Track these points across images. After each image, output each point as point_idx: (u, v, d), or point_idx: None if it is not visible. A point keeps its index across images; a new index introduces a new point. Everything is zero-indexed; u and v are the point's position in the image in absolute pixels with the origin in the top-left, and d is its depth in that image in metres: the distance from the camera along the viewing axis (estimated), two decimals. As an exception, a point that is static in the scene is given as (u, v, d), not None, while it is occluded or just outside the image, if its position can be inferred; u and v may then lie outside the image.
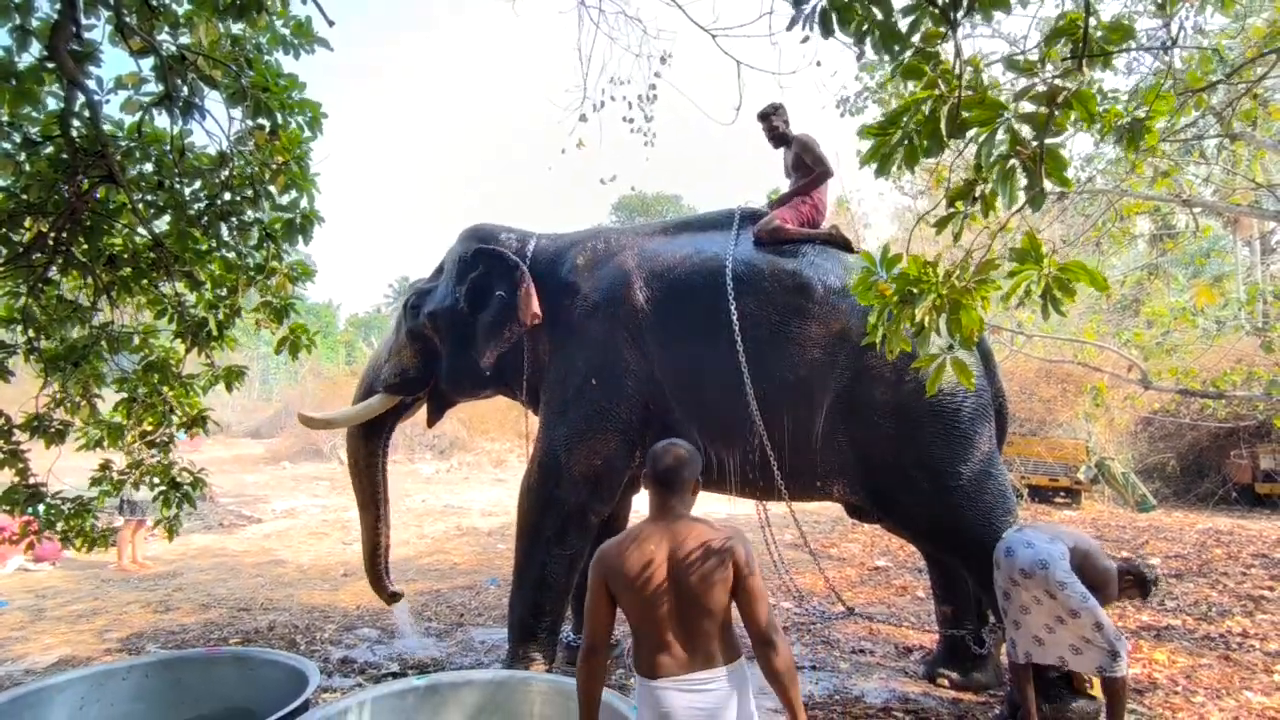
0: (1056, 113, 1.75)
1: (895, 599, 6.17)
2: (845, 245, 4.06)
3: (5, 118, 3.23)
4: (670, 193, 38.60)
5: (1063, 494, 11.18)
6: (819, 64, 5.03)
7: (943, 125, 1.84)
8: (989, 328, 8.14)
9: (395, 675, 4.27)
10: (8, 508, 3.61)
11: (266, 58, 3.65)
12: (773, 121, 4.25)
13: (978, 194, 1.89)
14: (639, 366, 3.79)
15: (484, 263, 3.98)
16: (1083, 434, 11.40)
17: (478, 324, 3.96)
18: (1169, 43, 2.40)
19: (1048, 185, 1.86)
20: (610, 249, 4.11)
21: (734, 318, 3.65)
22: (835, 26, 2.37)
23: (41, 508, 3.64)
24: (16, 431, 3.68)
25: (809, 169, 4.11)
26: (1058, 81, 1.81)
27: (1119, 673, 3.06)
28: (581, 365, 3.84)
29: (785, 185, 4.32)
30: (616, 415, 3.78)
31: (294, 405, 23.06)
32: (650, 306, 3.83)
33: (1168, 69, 2.45)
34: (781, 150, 4.30)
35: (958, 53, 2.07)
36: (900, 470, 3.67)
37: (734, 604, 1.97)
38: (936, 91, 1.84)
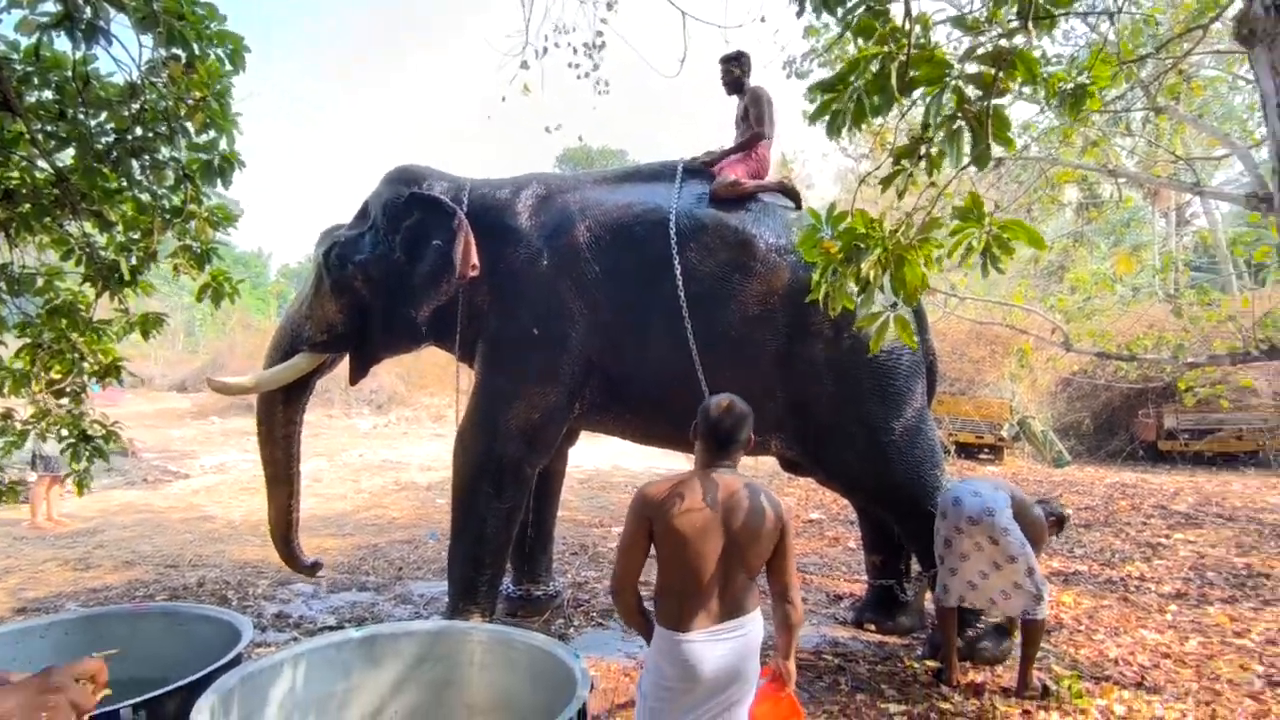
0: (1002, 73, 1.76)
1: (828, 549, 6.40)
2: (795, 197, 4.08)
3: (-121, 33, 2.91)
4: (616, 147, 37.99)
5: (987, 450, 11.72)
6: (763, 19, 4.96)
7: (893, 83, 1.83)
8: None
9: (331, 629, 4.22)
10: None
11: (180, -21, 3.38)
12: (731, 68, 4.19)
13: (923, 153, 1.89)
14: (582, 316, 3.72)
15: (419, 209, 3.76)
16: (1007, 393, 11.93)
17: (413, 275, 3.76)
18: (1112, 9, 2.44)
19: (992, 146, 1.88)
20: (551, 195, 3.99)
21: (677, 270, 3.62)
22: None
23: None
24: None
25: (752, 123, 4.09)
26: (1004, 42, 1.82)
27: (1040, 615, 3.29)
28: (522, 315, 3.75)
29: (728, 139, 4.28)
30: (558, 366, 3.73)
31: (222, 358, 22.19)
32: (595, 255, 3.76)
33: (1103, 39, 2.50)
34: (735, 99, 4.25)
35: (907, 11, 2.06)
36: (837, 425, 3.77)
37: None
38: (885, 49, 1.82)
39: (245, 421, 16.69)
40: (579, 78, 6.02)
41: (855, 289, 2.00)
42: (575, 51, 5.93)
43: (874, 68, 1.91)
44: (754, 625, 2.01)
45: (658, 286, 3.68)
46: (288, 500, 4.06)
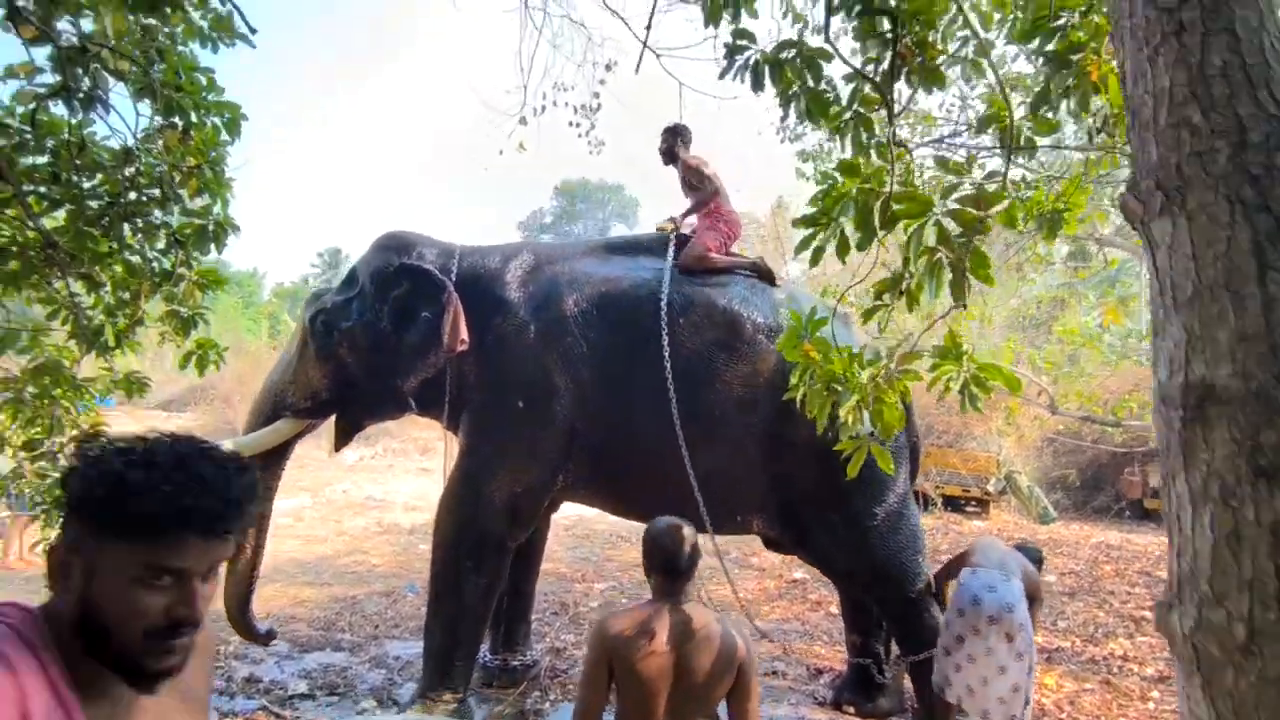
0: (985, 217, 1.79)
1: (809, 614, 6.35)
2: (768, 277, 4.11)
3: (-126, 101, 2.93)
4: (613, 181, 38.39)
5: (974, 504, 11.72)
6: (759, 93, 5.05)
7: (874, 219, 1.86)
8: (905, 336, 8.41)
9: (303, 696, 4.15)
10: None
11: (181, 48, 3.42)
12: (666, 138, 4.28)
13: (904, 288, 1.92)
14: (568, 391, 3.72)
15: (408, 280, 3.77)
16: (994, 447, 11.96)
17: (400, 345, 3.75)
18: (1092, 136, 2.50)
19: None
20: (540, 266, 4.01)
21: (665, 349, 3.64)
22: (766, 82, 2.39)
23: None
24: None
25: (698, 190, 4.15)
26: (985, 185, 1.85)
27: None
28: (508, 388, 3.74)
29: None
30: (542, 441, 3.71)
31: (210, 380, 22.01)
32: (582, 329, 3.77)
33: (1087, 161, 2.57)
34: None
35: (893, 138, 2.10)
36: (819, 510, 3.76)
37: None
38: (868, 186, 1.85)
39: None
40: (578, 136, 6.11)
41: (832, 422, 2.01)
42: (575, 111, 6.02)
43: (855, 202, 1.94)
44: None
45: (644, 362, 3.68)
46: (250, 570, 3.94)
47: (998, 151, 2.08)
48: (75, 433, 3.72)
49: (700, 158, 4.17)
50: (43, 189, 3.40)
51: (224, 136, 3.51)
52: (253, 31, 3.09)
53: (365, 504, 11.02)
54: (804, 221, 1.98)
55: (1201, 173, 1.05)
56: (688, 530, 2.10)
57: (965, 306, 1.84)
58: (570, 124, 6.02)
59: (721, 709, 2.06)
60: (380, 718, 3.19)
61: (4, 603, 0.89)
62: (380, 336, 3.81)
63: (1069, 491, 13.35)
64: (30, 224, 3.42)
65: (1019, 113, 2.30)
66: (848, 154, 2.44)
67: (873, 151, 2.28)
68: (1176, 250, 1.06)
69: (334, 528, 9.34)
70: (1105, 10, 1.77)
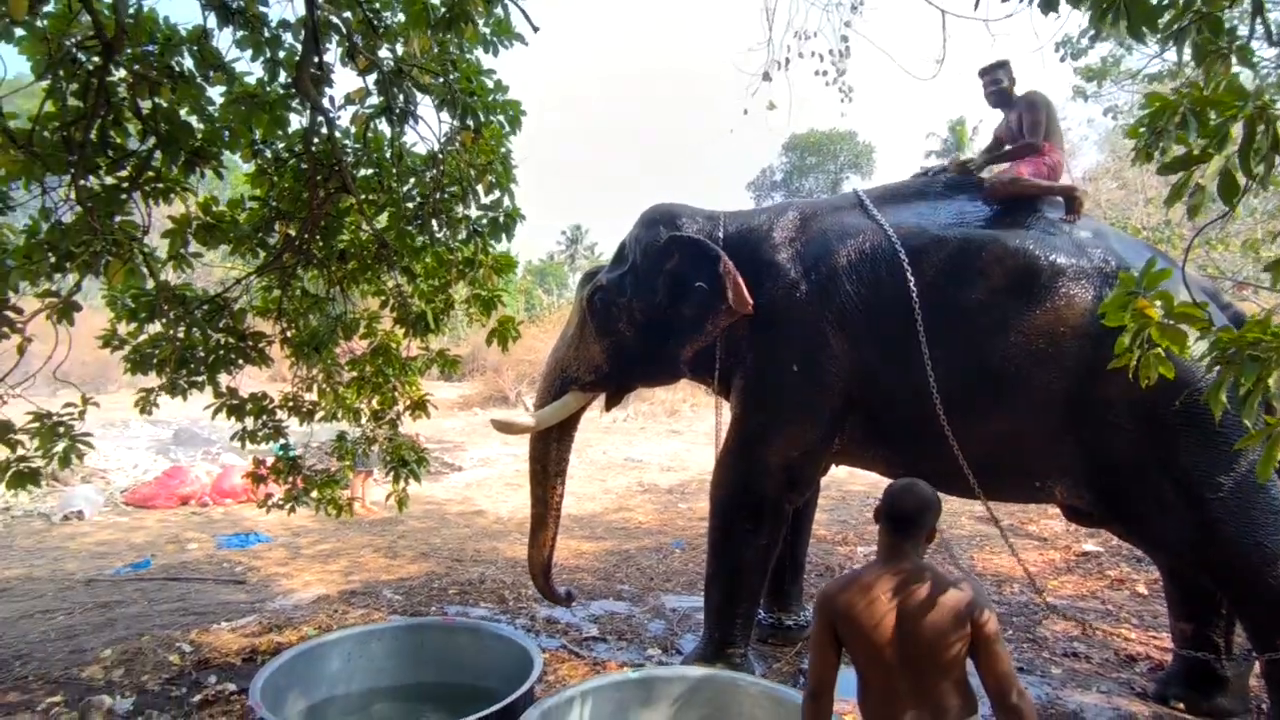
0: None
1: (1110, 593, 5.62)
2: (1079, 206, 3.61)
3: (260, 139, 3.61)
4: (844, 129, 36.37)
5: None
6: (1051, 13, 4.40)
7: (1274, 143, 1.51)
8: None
9: (595, 639, 4.55)
10: (276, 475, 4.23)
11: (468, 55, 3.78)
12: (996, 76, 3.84)
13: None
14: (843, 352, 3.59)
15: (679, 251, 3.85)
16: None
17: (676, 316, 3.86)
18: None
19: None
20: (807, 222, 3.90)
21: (914, 299, 3.40)
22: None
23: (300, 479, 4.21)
24: (278, 410, 4.23)
25: (1035, 131, 3.66)
26: None
27: None
28: (782, 351, 3.69)
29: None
30: (817, 404, 3.63)
31: (480, 351, 24.77)
32: (854, 285, 3.60)
33: None
34: (1001, 113, 3.86)
35: (1266, 28, 1.70)
36: (1141, 475, 3.26)
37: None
38: (1257, 104, 1.50)
39: (501, 411, 18.59)
40: (826, 84, 5.83)
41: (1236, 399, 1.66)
42: (820, 59, 5.75)
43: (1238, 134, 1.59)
44: None
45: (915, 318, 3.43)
46: (551, 540, 4.31)
47: None
48: (407, 402, 4.39)
49: (1043, 96, 3.73)
50: (371, 196, 4.00)
51: (507, 129, 3.84)
52: (535, 30, 3.30)
53: (625, 465, 11.78)
54: (1170, 165, 1.64)
55: None
56: (924, 488, 2.00)
57: None
58: (817, 73, 5.75)
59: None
60: (669, 666, 3.39)
61: None
62: (656, 308, 3.93)
63: None
64: (366, 227, 4.05)
65: None
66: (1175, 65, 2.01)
67: (1233, 58, 1.84)
68: None
69: (600, 486, 10.10)
70: None
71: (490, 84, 3.67)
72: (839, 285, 3.59)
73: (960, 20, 3.76)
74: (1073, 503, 3.60)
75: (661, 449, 13.22)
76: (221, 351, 3.75)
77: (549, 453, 4.29)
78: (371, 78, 3.50)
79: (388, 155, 3.92)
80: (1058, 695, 3.84)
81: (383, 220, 4.14)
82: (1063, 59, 6.35)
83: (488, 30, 3.63)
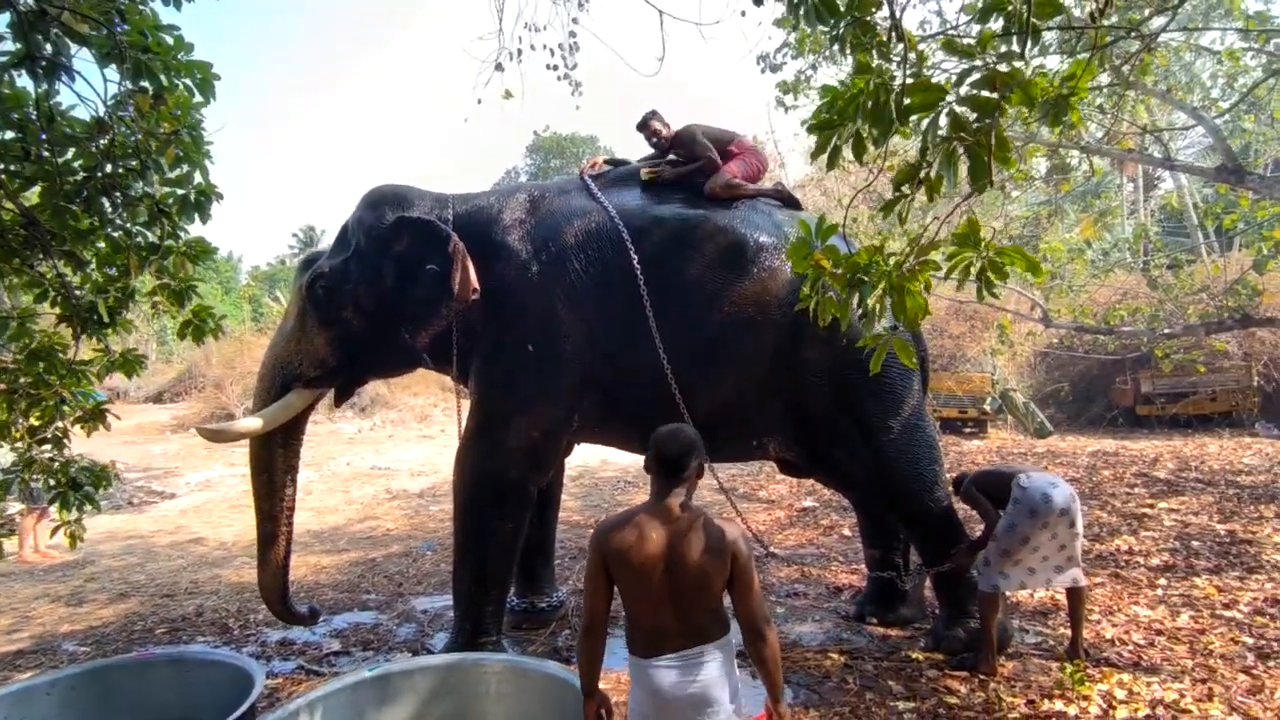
0: (1000, 97, 1.76)
1: (823, 539, 6.48)
2: (793, 202, 4.10)
3: None
4: (586, 134, 37.63)
5: (971, 424, 11.90)
6: (744, 14, 4.93)
7: (890, 112, 1.83)
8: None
9: (337, 654, 4.21)
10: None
11: (141, 7, 3.28)
12: (653, 128, 4.17)
13: (921, 177, 1.90)
14: (576, 330, 3.68)
15: (408, 233, 3.68)
16: (988, 367, 12.09)
17: (407, 301, 3.69)
18: (1096, 18, 2.45)
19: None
20: (535, 204, 3.95)
21: (639, 277, 3.61)
22: None
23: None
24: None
25: (718, 144, 4.06)
26: (999, 67, 1.82)
27: (1085, 582, 3.62)
28: (517, 331, 3.70)
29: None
30: (555, 383, 3.70)
31: (198, 368, 21.77)
32: (583, 265, 3.72)
33: (1093, 43, 2.50)
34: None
35: (897, 31, 2.06)
36: (834, 426, 3.80)
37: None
38: (878, 80, 1.81)
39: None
40: (558, 79, 5.97)
41: (858, 314, 2.01)
42: (552, 53, 5.87)
43: (868, 97, 1.90)
44: (724, 652, 2.04)
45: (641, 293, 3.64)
46: (284, 557, 3.88)
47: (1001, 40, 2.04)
48: (78, 413, 3.68)
49: (689, 129, 4.07)
50: (14, 166, 3.29)
51: (197, 98, 3.38)
52: (218, -21, 2.93)
53: (371, 474, 11.05)
54: (817, 125, 1.94)
55: None
56: (687, 432, 2.15)
57: (989, 186, 1.82)
58: (548, 66, 5.87)
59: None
60: (408, 660, 3.23)
61: None
62: (385, 294, 3.73)
63: (1062, 405, 13.58)
64: (8, 203, 3.33)
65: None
66: (837, 70, 2.39)
67: (874, 53, 2.23)
68: None
69: (343, 497, 9.37)
70: None
71: (170, 41, 3.20)
72: (569, 264, 3.69)
73: (680, 24, 4.05)
74: (784, 456, 4.09)
75: (411, 455, 12.62)
76: None
77: (274, 460, 3.87)
78: (3, 19, 2.88)
79: (33, 117, 3.24)
80: (782, 628, 4.32)
81: (34, 196, 3.43)
82: (763, 71, 7.20)
83: (166, -23, 3.18)
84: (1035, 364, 13.85)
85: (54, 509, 5.85)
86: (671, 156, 4.14)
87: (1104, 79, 6.79)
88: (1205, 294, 8.86)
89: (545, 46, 5.86)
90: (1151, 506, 6.67)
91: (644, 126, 4.20)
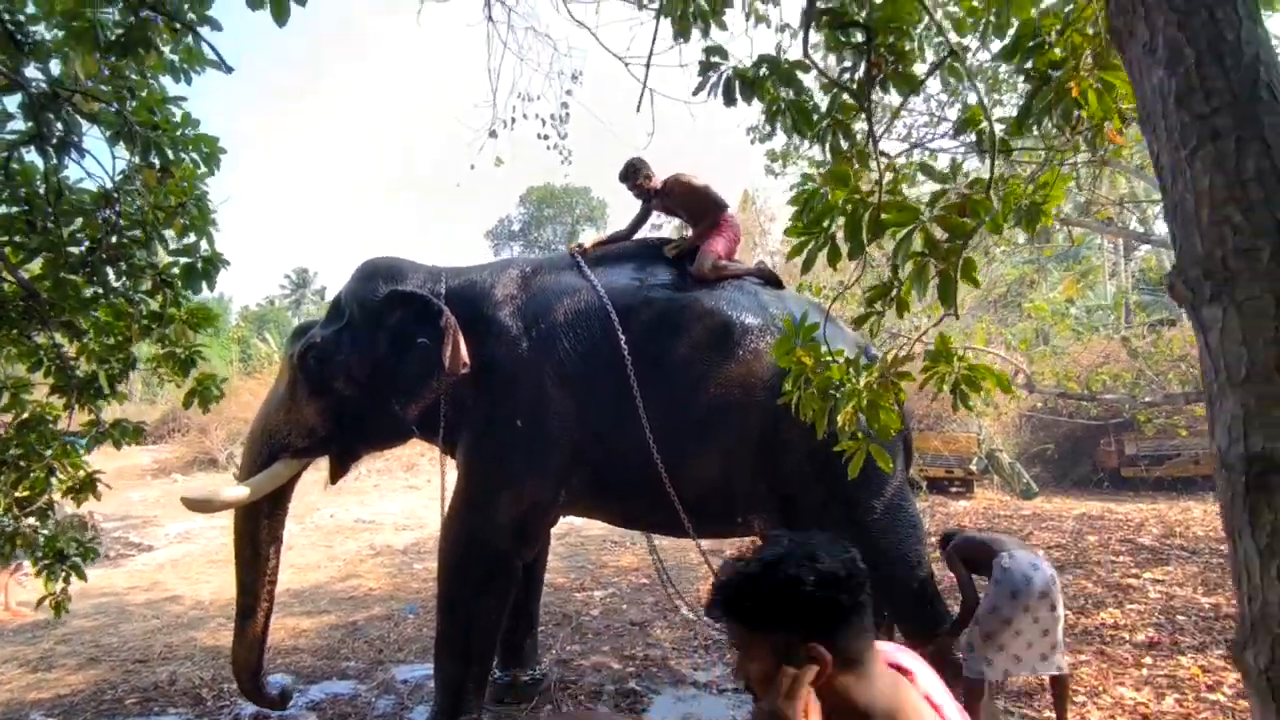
0: (975, 228, 1.86)
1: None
2: (775, 282, 4.20)
3: None
4: (579, 184, 38.31)
5: (957, 484, 11.92)
6: (732, 106, 5.12)
7: (864, 229, 1.93)
8: (890, 334, 8.57)
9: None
10: None
11: (150, 82, 3.38)
12: (636, 180, 4.25)
13: (893, 295, 1.99)
14: (564, 407, 3.72)
15: (401, 306, 3.75)
16: (974, 427, 12.18)
17: (398, 373, 3.72)
18: (1067, 139, 2.60)
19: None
20: (528, 280, 4.03)
21: (626, 357, 3.65)
22: (738, 97, 2.45)
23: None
24: None
25: (705, 207, 4.18)
26: (968, 192, 1.92)
27: (1068, 670, 3.62)
28: (506, 406, 3.73)
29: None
30: (544, 459, 3.71)
31: (182, 412, 21.59)
32: (573, 342, 3.79)
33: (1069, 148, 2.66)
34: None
35: (873, 141, 2.17)
36: (817, 506, 3.83)
37: None
38: (856, 197, 1.92)
39: (209, 478, 16.25)
40: (548, 149, 6.13)
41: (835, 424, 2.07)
42: (544, 123, 6.04)
43: (845, 212, 2.00)
44: None
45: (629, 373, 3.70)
46: (261, 633, 3.84)
47: (974, 150, 2.16)
48: (69, 484, 3.67)
49: (690, 177, 4.18)
50: (18, 239, 3.35)
51: (202, 169, 3.48)
52: (229, 71, 3.06)
53: (355, 527, 10.91)
54: (795, 231, 2.04)
55: (1247, 269, 1.19)
56: None
57: (957, 315, 1.91)
58: (539, 136, 6.04)
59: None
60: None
61: None
62: (376, 366, 3.77)
63: (1048, 465, 13.66)
64: (8, 275, 3.37)
65: (996, 112, 2.37)
66: (824, 158, 2.51)
67: (854, 159, 2.35)
68: (1228, 335, 1.21)
69: (325, 553, 9.24)
70: (1095, 27, 1.85)
71: (178, 115, 3.30)
72: (558, 342, 3.76)
73: (670, 107, 4.17)
74: (769, 533, 4.11)
75: (397, 506, 12.48)
76: None
77: (259, 531, 3.86)
78: (14, 99, 2.97)
79: (40, 191, 3.31)
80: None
81: (36, 267, 3.49)
82: (752, 141, 7.44)
83: (175, 57, 3.28)
84: (1020, 425, 13.98)
85: (28, 566, 5.78)
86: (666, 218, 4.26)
87: (1081, 156, 7.07)
88: (1184, 362, 9.04)
89: (538, 116, 6.04)
90: (1137, 576, 6.68)
91: (627, 177, 4.25)
